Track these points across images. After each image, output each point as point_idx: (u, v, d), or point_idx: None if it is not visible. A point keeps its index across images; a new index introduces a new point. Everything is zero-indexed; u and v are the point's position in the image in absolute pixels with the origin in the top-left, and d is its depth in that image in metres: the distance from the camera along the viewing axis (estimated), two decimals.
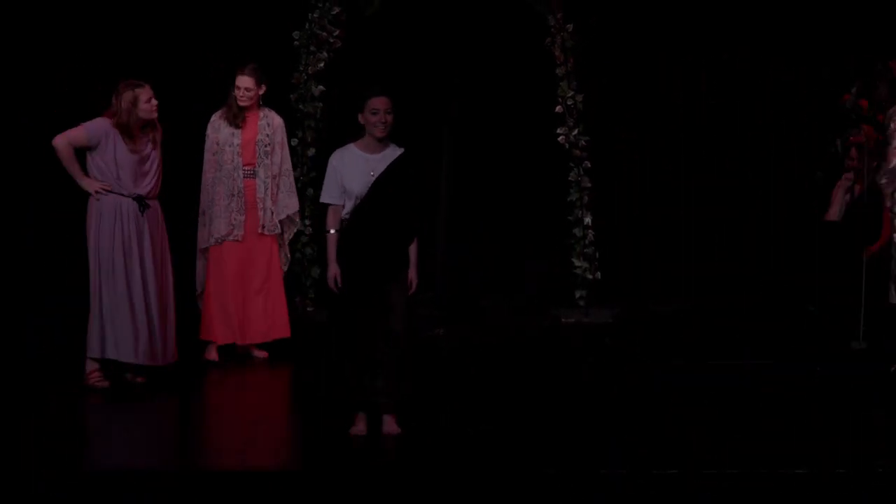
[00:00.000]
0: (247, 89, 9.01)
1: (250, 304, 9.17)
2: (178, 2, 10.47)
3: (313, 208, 10.44)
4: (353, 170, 7.10)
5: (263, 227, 9.13)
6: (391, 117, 7.10)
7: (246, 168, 9.09)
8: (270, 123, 9.15)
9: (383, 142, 7.14)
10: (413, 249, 7.15)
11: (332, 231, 7.15)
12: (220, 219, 9.05)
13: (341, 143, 10.57)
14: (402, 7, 10.54)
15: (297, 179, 10.39)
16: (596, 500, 6.48)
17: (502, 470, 6.68)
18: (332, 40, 10.39)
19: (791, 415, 7.70)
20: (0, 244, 10.26)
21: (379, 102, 7.08)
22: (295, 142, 10.41)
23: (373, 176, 7.06)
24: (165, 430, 7.81)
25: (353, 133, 10.49)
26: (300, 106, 10.41)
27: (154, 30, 10.46)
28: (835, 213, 9.44)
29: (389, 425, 7.11)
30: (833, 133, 9.86)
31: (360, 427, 7.14)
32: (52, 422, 7.75)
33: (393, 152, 7.14)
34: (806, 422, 7.54)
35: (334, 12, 10.36)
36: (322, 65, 10.41)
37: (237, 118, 9.02)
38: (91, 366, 8.31)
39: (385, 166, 7.08)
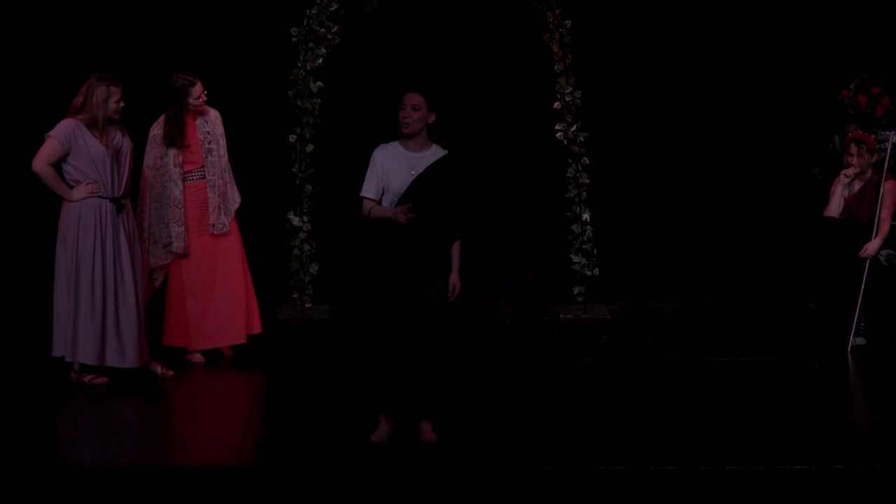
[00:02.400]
0: (204, 93, 9.01)
1: (221, 304, 9.14)
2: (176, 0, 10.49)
3: (312, 205, 10.47)
4: (395, 166, 7.00)
5: (213, 226, 9.08)
6: (418, 114, 6.97)
7: (196, 171, 9.05)
8: (208, 119, 9.11)
9: (422, 142, 7.04)
10: (456, 254, 7.09)
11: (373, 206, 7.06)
12: (176, 228, 9.01)
13: (340, 139, 10.67)
14: (400, 3, 10.56)
15: (294, 175, 10.44)
16: (594, 496, 6.49)
17: (500, 466, 6.69)
18: (330, 36, 10.39)
19: (789, 411, 7.72)
20: (1, 244, 10.28)
21: (405, 98, 7.01)
22: (293, 138, 10.43)
23: (413, 175, 6.97)
24: (169, 427, 7.84)
25: (351, 129, 10.56)
26: (298, 102, 10.41)
27: (152, 28, 10.46)
28: (833, 209, 9.46)
29: (427, 433, 7.03)
30: (831, 129, 9.87)
31: (381, 434, 7.06)
32: (51, 419, 7.84)
33: (435, 153, 7.05)
34: (804, 418, 7.55)
35: (332, 8, 10.36)
36: (320, 61, 10.41)
37: (182, 133, 8.95)
38: (77, 366, 8.37)
39: (426, 165, 7.00)
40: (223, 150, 9.12)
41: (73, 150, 8.27)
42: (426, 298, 6.96)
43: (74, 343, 8.31)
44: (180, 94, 8.90)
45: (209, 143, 9.05)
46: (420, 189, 6.97)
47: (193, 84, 8.92)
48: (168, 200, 8.94)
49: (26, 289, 10.08)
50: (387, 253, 7.01)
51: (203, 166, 9.04)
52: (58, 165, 8.30)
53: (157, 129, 8.99)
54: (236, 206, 9.15)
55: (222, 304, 9.08)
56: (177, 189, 8.95)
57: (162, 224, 8.97)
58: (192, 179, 9.02)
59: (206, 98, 8.99)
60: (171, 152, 8.95)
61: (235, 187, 9.16)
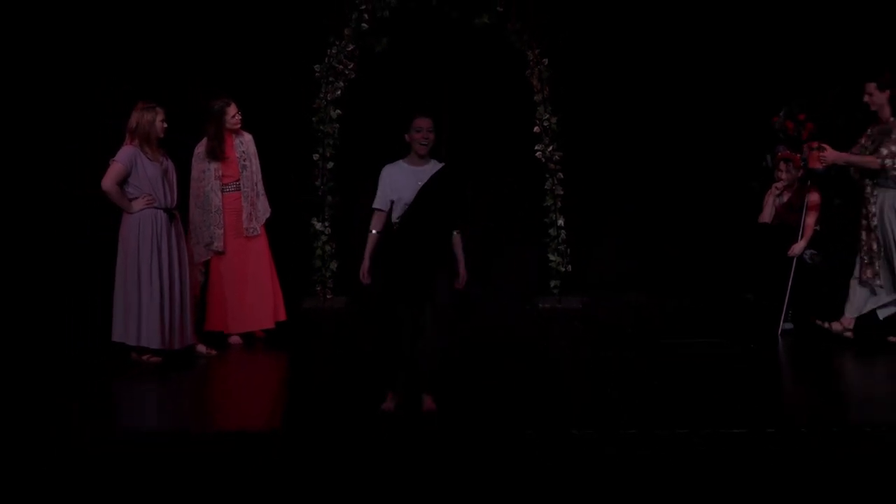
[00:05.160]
0: (239, 112, 9.02)
1: (252, 295, 9.12)
2: (216, 40, 10.48)
3: (332, 212, 10.48)
4: (404, 180, 6.94)
5: (246, 229, 9.07)
6: (433, 136, 6.95)
7: (232, 183, 9.06)
8: (243, 140, 9.12)
9: (426, 158, 7.00)
10: (459, 250, 7.05)
11: (374, 232, 7.02)
12: (217, 230, 9.02)
13: (355, 158, 10.67)
14: (406, 45, 10.58)
15: (317, 188, 10.45)
16: (568, 457, 6.49)
17: (489, 430, 6.69)
18: (347, 72, 10.42)
19: (730, 383, 7.72)
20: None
21: (422, 122, 6.95)
22: (316, 157, 10.44)
23: (419, 185, 6.90)
24: (211, 398, 7.85)
25: (365, 149, 10.57)
26: (320, 127, 10.44)
27: (194, 64, 10.44)
28: (766, 216, 9.47)
29: (428, 403, 6.98)
30: (764, 149, 9.88)
31: (389, 404, 7.00)
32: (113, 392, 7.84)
33: (434, 166, 7.00)
34: (742, 389, 7.56)
35: (349, 49, 10.39)
36: (339, 92, 10.44)
37: (222, 148, 8.96)
38: (135, 349, 8.38)
39: (428, 176, 6.93)
40: (255, 167, 9.13)
41: (133, 171, 8.30)
42: (431, 289, 6.89)
43: (139, 330, 8.32)
44: (218, 115, 8.94)
45: (244, 161, 9.07)
46: (425, 195, 6.92)
47: (229, 104, 8.96)
48: (209, 207, 8.96)
49: (68, 287, 10.02)
50: (396, 251, 6.96)
51: (238, 179, 9.05)
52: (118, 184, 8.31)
53: (200, 148, 9.02)
54: (267, 215, 9.15)
55: (253, 294, 9.09)
56: (216, 198, 8.97)
57: (204, 227, 8.98)
58: (229, 191, 9.04)
59: (241, 118, 9.00)
60: (212, 167, 8.97)
61: (266, 200, 9.16)
